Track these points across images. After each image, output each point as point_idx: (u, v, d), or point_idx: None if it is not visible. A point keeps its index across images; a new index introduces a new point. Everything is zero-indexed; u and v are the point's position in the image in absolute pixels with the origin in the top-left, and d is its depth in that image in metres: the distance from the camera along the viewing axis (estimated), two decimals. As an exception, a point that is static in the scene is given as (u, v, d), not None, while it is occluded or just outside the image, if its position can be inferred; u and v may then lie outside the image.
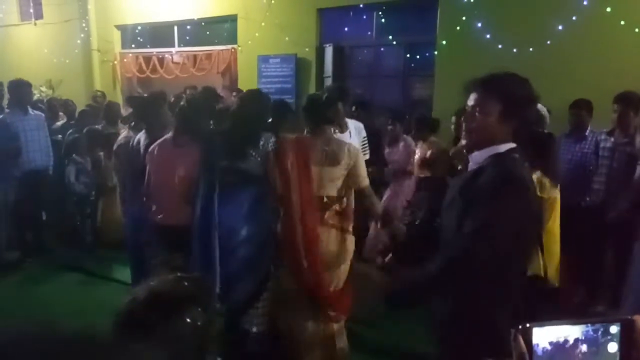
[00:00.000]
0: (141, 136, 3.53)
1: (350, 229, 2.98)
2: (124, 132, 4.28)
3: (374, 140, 4.43)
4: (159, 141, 3.20)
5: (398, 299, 1.63)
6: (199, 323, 1.13)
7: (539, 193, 2.86)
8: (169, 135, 3.19)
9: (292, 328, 2.93)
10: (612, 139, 3.91)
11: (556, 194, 3.10)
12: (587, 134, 4.18)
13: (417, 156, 4.50)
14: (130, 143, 3.63)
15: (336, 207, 2.92)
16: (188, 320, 1.11)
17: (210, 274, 2.81)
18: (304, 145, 2.89)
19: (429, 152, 4.38)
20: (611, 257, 3.92)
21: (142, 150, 3.42)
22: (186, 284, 1.20)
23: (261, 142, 2.92)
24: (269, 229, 2.95)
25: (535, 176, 2.88)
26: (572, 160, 4.21)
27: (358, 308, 2.65)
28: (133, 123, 4.22)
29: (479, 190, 1.59)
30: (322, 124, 2.95)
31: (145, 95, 3.98)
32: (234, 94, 6.22)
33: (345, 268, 2.94)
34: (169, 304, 1.12)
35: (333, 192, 2.90)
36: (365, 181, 2.93)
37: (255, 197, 2.91)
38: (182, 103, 3.31)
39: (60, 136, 5.81)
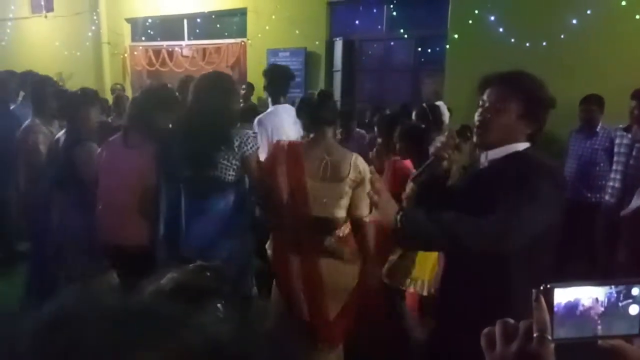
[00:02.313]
0: (61, 136, 3.07)
1: (351, 257, 2.45)
2: (28, 120, 3.77)
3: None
4: (109, 140, 2.72)
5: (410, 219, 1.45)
6: (222, 316, 1.11)
7: None
8: (117, 135, 2.69)
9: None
10: (629, 136, 3.84)
11: None
12: (598, 129, 4.12)
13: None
14: (50, 141, 3.25)
15: (339, 232, 2.39)
16: (212, 311, 1.09)
17: None
18: (298, 154, 2.36)
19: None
20: (625, 255, 3.86)
21: (61, 152, 2.96)
22: (208, 274, 1.17)
23: (236, 143, 2.36)
24: (251, 245, 2.56)
25: None
26: (583, 157, 4.16)
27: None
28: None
29: (510, 181, 1.52)
30: (320, 125, 2.38)
31: (74, 91, 3.49)
32: (243, 87, 6.21)
33: (344, 298, 2.47)
34: (194, 296, 1.10)
35: (340, 214, 2.36)
36: (365, 210, 2.39)
37: (233, 208, 2.42)
38: (135, 95, 2.84)
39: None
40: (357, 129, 4.70)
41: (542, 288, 0.65)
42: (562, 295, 0.65)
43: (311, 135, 2.44)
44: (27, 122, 3.63)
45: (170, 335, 0.40)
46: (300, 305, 2.42)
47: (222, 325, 0.47)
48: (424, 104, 3.95)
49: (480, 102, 1.69)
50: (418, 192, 1.89)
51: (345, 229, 2.42)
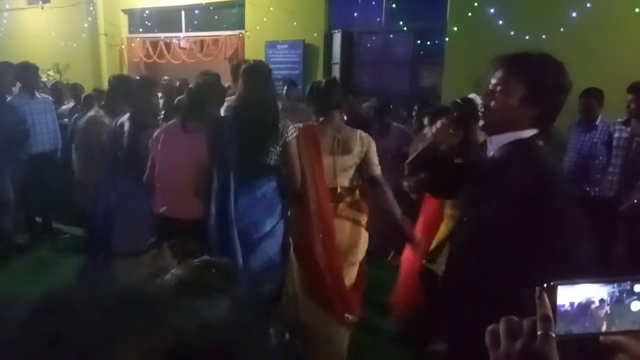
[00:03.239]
0: (124, 120, 3.29)
1: (365, 222, 2.81)
2: (92, 111, 4.12)
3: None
4: (164, 126, 2.95)
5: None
6: (228, 312, 1.09)
7: None
8: (174, 120, 2.92)
9: (308, 326, 2.76)
10: (628, 129, 3.84)
11: None
12: (597, 123, 4.12)
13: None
14: (113, 125, 3.40)
15: (348, 198, 2.76)
16: (217, 307, 1.08)
17: None
18: (314, 133, 2.70)
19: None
20: (623, 249, 3.88)
21: (126, 136, 3.19)
22: (214, 270, 1.15)
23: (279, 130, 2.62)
24: (288, 223, 2.77)
25: None
26: (582, 150, 4.16)
27: None
28: (103, 103, 4.11)
29: (506, 187, 1.49)
30: (329, 109, 2.74)
31: (136, 77, 3.72)
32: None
33: (358, 263, 2.81)
34: (200, 293, 1.08)
35: (345, 183, 2.75)
36: (377, 169, 2.77)
37: (275, 189, 2.68)
38: (190, 86, 3.04)
39: (66, 120, 5.81)
40: (395, 124, 4.70)
41: (545, 285, 0.65)
42: (566, 293, 0.65)
43: (321, 119, 2.75)
44: (91, 113, 4.03)
45: (162, 322, 0.40)
46: (322, 274, 2.64)
47: (215, 311, 0.47)
48: (458, 99, 3.96)
49: (489, 85, 1.64)
50: (414, 161, 2.22)
51: (355, 196, 2.79)
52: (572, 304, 0.65)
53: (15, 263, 4.60)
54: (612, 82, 4.21)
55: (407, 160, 2.39)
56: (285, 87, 5.71)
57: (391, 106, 5.24)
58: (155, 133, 2.92)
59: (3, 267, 4.39)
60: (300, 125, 2.76)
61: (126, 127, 3.23)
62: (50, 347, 0.36)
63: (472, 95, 4.20)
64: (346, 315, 2.72)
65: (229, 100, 3.31)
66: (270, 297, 2.63)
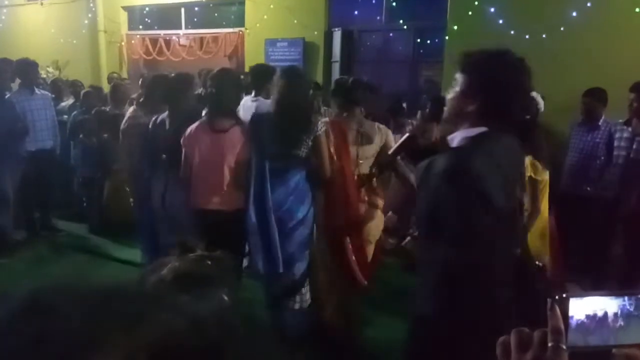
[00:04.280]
0: (165, 118, 3.35)
1: (380, 204, 3.15)
2: (130, 110, 4.18)
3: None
4: (194, 126, 3.06)
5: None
6: (225, 304, 1.10)
7: (532, 175, 2.97)
8: (203, 119, 3.06)
9: (327, 300, 3.06)
10: (629, 129, 3.83)
11: (547, 176, 3.11)
12: (600, 123, 4.12)
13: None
14: (151, 123, 3.43)
15: (367, 184, 3.09)
16: (216, 298, 1.09)
17: (272, 255, 2.88)
18: (341, 126, 3.01)
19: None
20: (622, 249, 3.88)
21: (167, 132, 3.26)
22: (209, 262, 1.17)
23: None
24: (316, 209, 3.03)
25: (528, 159, 2.93)
26: (584, 150, 4.16)
27: None
28: (142, 99, 4.14)
29: (433, 181, 1.56)
30: (352, 105, 3.07)
31: (172, 75, 3.71)
32: (242, 77, 6.16)
33: (374, 242, 3.19)
34: (196, 285, 1.09)
35: (366, 170, 3.07)
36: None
37: (305, 179, 2.94)
38: (208, 86, 3.14)
39: (66, 116, 5.81)
40: (409, 121, 4.89)
41: (557, 297, 0.65)
42: (577, 305, 0.65)
43: (345, 114, 3.09)
44: (130, 112, 4.07)
45: (148, 319, 0.39)
46: (349, 255, 2.96)
47: (203, 307, 0.46)
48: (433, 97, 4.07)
49: None
50: (395, 150, 2.58)
51: (372, 182, 3.10)
52: (583, 317, 0.65)
53: (13, 259, 4.60)
54: (612, 81, 4.21)
55: (390, 151, 2.72)
56: None
57: (404, 105, 5.25)
58: (187, 132, 3.07)
59: (0, 264, 4.39)
60: (328, 119, 3.09)
61: (167, 124, 3.30)
62: (33, 347, 0.36)
63: (533, 94, 4.21)
64: (363, 281, 3.04)
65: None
66: (299, 272, 2.95)
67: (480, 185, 1.48)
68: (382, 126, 3.16)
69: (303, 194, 2.93)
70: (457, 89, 1.60)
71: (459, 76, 1.61)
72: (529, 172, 2.95)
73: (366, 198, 3.12)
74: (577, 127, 4.24)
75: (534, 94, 4.06)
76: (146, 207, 3.52)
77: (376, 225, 3.18)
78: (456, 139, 1.60)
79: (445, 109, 1.69)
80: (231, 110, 3.08)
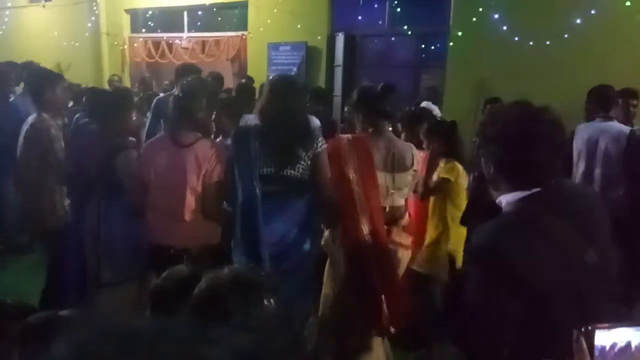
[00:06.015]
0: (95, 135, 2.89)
1: (409, 243, 2.63)
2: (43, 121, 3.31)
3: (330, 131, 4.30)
4: (152, 139, 2.65)
5: None
6: (276, 310, 1.12)
7: (452, 178, 2.94)
8: (163, 133, 2.62)
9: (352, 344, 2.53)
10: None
11: (466, 181, 3.09)
12: None
13: None
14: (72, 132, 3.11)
15: (403, 222, 2.54)
16: (267, 304, 1.10)
17: None
18: (366, 147, 2.40)
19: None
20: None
21: (100, 159, 2.72)
22: (262, 273, 1.20)
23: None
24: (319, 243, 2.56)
25: (450, 165, 2.98)
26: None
27: None
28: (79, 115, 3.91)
29: None
30: (380, 118, 2.46)
31: (109, 91, 3.42)
32: (243, 80, 6.17)
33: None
34: (252, 287, 1.12)
35: (401, 202, 2.50)
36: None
37: (309, 205, 2.40)
38: (175, 92, 2.59)
39: (66, 120, 5.78)
40: None
41: (583, 329, 0.65)
42: (603, 337, 0.65)
43: (370, 130, 2.47)
44: (32, 118, 3.36)
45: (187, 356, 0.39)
46: (379, 299, 2.42)
47: (240, 340, 0.46)
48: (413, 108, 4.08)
49: None
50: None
51: (406, 218, 2.55)
52: (609, 347, 0.65)
53: (16, 262, 4.58)
54: (616, 87, 4.20)
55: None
56: None
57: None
58: (143, 150, 2.64)
59: (3, 267, 4.37)
60: (349, 136, 2.51)
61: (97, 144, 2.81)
62: None
63: (424, 104, 4.28)
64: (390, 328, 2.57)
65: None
66: (302, 316, 2.41)
67: (508, 265, 1.28)
68: (414, 149, 2.57)
69: (307, 223, 2.41)
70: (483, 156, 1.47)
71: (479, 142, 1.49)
72: (447, 175, 2.96)
73: (403, 241, 2.57)
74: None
75: (424, 104, 4.13)
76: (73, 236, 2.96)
77: (403, 266, 2.65)
78: (502, 202, 1.43)
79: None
80: (200, 123, 2.50)
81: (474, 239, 1.38)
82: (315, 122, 3.48)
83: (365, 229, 2.35)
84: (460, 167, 3.04)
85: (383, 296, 2.44)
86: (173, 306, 1.23)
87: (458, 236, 2.98)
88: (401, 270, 2.60)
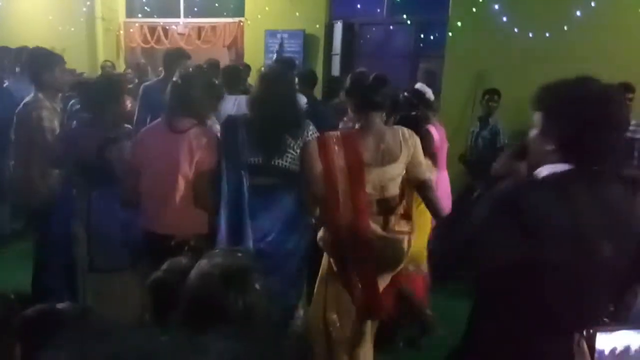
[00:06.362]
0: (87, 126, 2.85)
1: (412, 230, 2.57)
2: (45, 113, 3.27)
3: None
4: (147, 128, 2.61)
5: None
6: (263, 290, 1.14)
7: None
8: (159, 120, 2.57)
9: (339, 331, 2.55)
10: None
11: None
12: None
13: None
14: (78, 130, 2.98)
15: (401, 209, 2.50)
16: (257, 287, 1.11)
17: None
18: (355, 144, 2.36)
19: None
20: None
21: (92, 149, 2.67)
22: (240, 255, 1.21)
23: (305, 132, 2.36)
24: (312, 236, 2.53)
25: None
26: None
27: None
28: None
29: None
30: (369, 109, 2.39)
31: (97, 80, 3.29)
32: (240, 67, 6.12)
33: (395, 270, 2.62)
34: (241, 277, 1.13)
35: (395, 190, 2.46)
36: (426, 173, 2.51)
37: (298, 201, 2.39)
38: (174, 79, 2.58)
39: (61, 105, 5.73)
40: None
41: (584, 333, 0.65)
42: (605, 340, 0.65)
43: (358, 124, 2.42)
44: (27, 98, 3.35)
45: None
46: (358, 290, 2.42)
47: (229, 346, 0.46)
48: (406, 93, 3.95)
49: None
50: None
51: (404, 204, 2.52)
52: (610, 350, 0.65)
53: (11, 249, 4.57)
54: (616, 81, 4.21)
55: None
56: None
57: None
58: (138, 136, 2.61)
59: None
60: (337, 132, 2.50)
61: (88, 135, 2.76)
62: None
63: (418, 86, 4.17)
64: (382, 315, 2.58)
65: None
66: (288, 312, 2.45)
67: (524, 217, 1.29)
68: (407, 133, 2.45)
69: (293, 220, 2.39)
70: (536, 129, 1.45)
71: (536, 115, 1.46)
72: None
73: (404, 228, 2.51)
74: None
75: (418, 85, 4.03)
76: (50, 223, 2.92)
77: (405, 254, 2.58)
78: (542, 173, 1.42)
79: (529, 151, 1.51)
80: (193, 107, 2.47)
81: (499, 187, 1.38)
82: (302, 99, 3.46)
83: (347, 221, 2.34)
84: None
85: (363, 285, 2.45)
86: (174, 298, 1.23)
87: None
88: (404, 254, 2.54)
